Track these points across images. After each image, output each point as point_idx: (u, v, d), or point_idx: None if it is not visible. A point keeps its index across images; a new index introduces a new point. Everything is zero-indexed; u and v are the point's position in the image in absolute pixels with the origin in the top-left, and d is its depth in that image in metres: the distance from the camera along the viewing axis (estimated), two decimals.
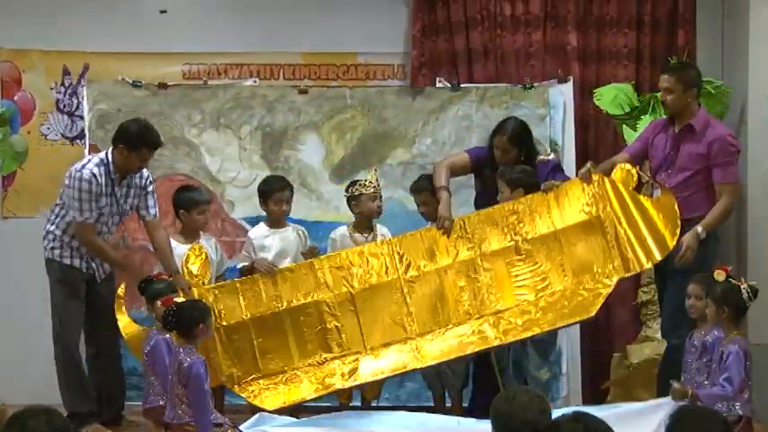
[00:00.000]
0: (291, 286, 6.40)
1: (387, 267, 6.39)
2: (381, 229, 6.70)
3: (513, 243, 6.38)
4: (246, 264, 6.56)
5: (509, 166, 6.53)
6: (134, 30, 7.85)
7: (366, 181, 6.66)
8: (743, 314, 5.58)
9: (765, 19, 7.25)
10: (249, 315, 6.35)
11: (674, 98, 6.41)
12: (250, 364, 6.29)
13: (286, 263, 6.54)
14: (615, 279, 6.26)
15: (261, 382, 6.28)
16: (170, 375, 5.68)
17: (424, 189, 6.69)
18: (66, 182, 6.47)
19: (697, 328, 5.82)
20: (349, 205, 6.72)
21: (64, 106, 7.91)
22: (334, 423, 6.04)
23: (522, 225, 6.38)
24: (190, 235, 6.75)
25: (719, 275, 5.61)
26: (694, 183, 6.41)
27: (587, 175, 6.36)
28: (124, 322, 6.44)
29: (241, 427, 5.80)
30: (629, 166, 6.37)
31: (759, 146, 7.21)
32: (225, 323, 6.30)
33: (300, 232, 6.72)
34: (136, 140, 6.44)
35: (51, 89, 7.91)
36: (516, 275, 6.37)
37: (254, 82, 7.72)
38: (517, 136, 6.63)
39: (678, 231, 6.19)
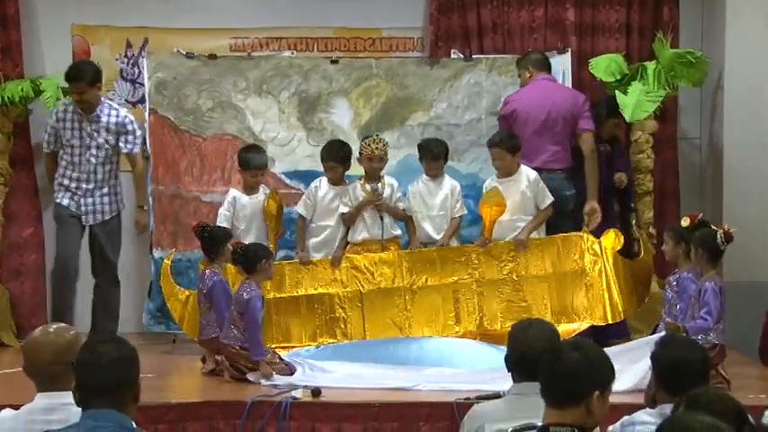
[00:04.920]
0: (312, 277, 7.09)
1: (395, 276, 7.09)
2: (389, 180, 7.25)
3: (505, 277, 7.07)
4: (303, 212, 7.25)
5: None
6: (188, 8, 8.25)
7: (367, 142, 7.14)
8: (718, 256, 6.17)
9: None
10: (273, 295, 7.00)
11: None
12: (266, 336, 6.84)
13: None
14: (585, 324, 6.96)
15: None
16: (230, 305, 6.39)
17: (440, 157, 7.28)
18: None
19: (676, 269, 6.49)
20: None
21: (127, 75, 8.28)
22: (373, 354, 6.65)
23: (517, 264, 7.06)
24: (249, 188, 7.34)
25: (684, 222, 6.35)
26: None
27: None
28: (167, 291, 7.02)
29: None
30: (618, 232, 7.06)
31: (734, 109, 7.81)
32: None
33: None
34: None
35: (116, 60, 8.25)
36: (504, 302, 7.05)
37: (292, 54, 8.10)
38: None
39: (647, 295, 7.04)
